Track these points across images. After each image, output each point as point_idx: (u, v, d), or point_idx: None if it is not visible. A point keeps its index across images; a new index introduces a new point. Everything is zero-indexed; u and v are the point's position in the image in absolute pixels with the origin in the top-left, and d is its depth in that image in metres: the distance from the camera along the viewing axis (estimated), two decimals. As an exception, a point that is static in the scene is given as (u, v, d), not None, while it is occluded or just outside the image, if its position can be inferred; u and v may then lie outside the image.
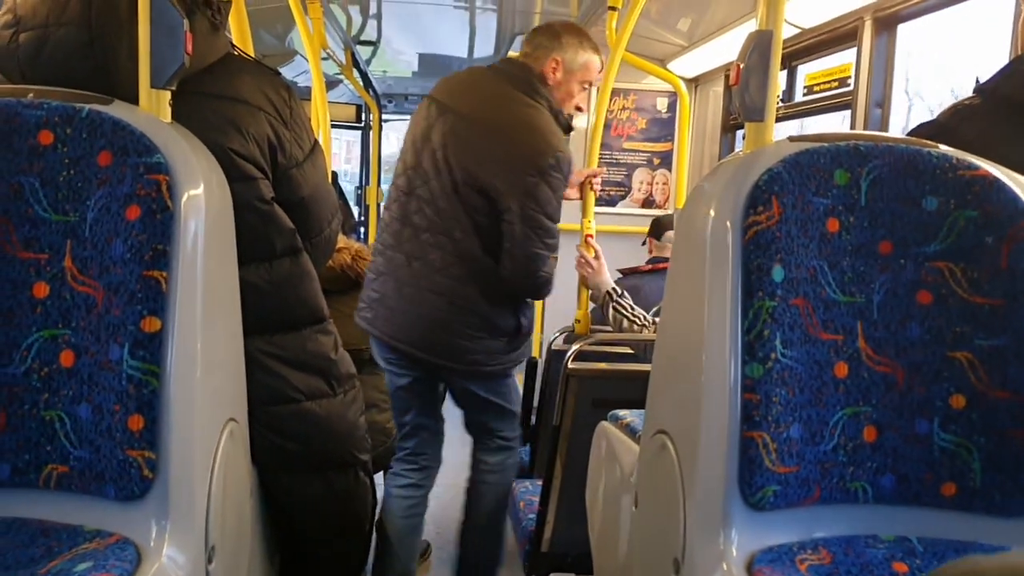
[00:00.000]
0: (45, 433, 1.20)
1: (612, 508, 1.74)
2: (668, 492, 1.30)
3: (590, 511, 1.91)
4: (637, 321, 2.66)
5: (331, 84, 6.24)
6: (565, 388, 2.32)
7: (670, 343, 1.44)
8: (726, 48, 3.71)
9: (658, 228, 3.53)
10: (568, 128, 2.48)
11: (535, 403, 3.08)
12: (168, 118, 1.31)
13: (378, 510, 2.43)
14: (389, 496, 2.56)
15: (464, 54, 5.54)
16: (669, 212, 4.43)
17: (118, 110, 1.26)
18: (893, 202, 1.28)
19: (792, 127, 3.54)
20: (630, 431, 1.69)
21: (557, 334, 3.08)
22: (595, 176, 2.79)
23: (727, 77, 4.15)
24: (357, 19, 4.91)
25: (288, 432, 1.65)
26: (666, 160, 4.52)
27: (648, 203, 4.55)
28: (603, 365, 2.48)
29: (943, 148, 1.32)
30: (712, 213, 1.27)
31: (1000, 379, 1.23)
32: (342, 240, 2.66)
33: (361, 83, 5.90)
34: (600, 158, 3.75)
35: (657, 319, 2.66)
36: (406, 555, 2.59)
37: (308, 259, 1.68)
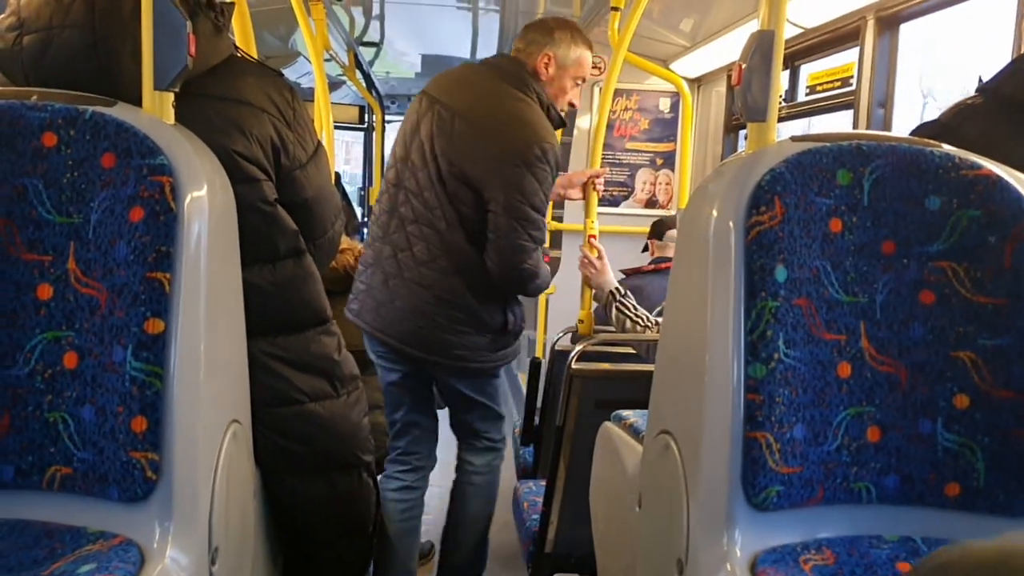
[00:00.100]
0: (49, 435, 1.20)
1: (616, 509, 1.74)
2: (671, 493, 1.30)
3: (594, 512, 1.91)
4: (640, 322, 2.66)
5: (334, 85, 6.25)
6: (568, 389, 2.32)
7: (673, 343, 1.44)
8: (728, 48, 3.71)
9: (659, 228, 3.53)
10: (561, 123, 2.47)
11: (539, 404, 3.08)
12: (171, 120, 1.31)
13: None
14: (385, 499, 2.55)
15: (467, 55, 5.54)
16: (671, 213, 4.43)
17: (121, 112, 1.26)
18: (896, 202, 1.28)
19: (799, 127, 3.53)
20: (633, 431, 1.69)
21: (561, 334, 3.08)
22: (598, 177, 2.78)
23: (729, 77, 4.14)
24: (360, 20, 4.92)
25: (291, 433, 1.65)
26: (669, 160, 4.52)
27: (651, 203, 4.55)
28: (606, 366, 2.48)
29: (946, 147, 1.32)
30: (715, 213, 1.27)
31: (1004, 379, 1.23)
32: (345, 241, 2.66)
33: (364, 84, 5.91)
34: (603, 158, 3.74)
35: (660, 319, 2.66)
36: (406, 556, 2.58)
37: (311, 260, 1.68)
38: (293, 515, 1.75)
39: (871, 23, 2.73)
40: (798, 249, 1.24)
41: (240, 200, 1.44)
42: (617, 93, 4.28)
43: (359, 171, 10.59)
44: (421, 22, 4.98)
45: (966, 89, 1.66)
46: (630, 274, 3.36)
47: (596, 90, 4.36)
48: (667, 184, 4.54)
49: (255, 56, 2.05)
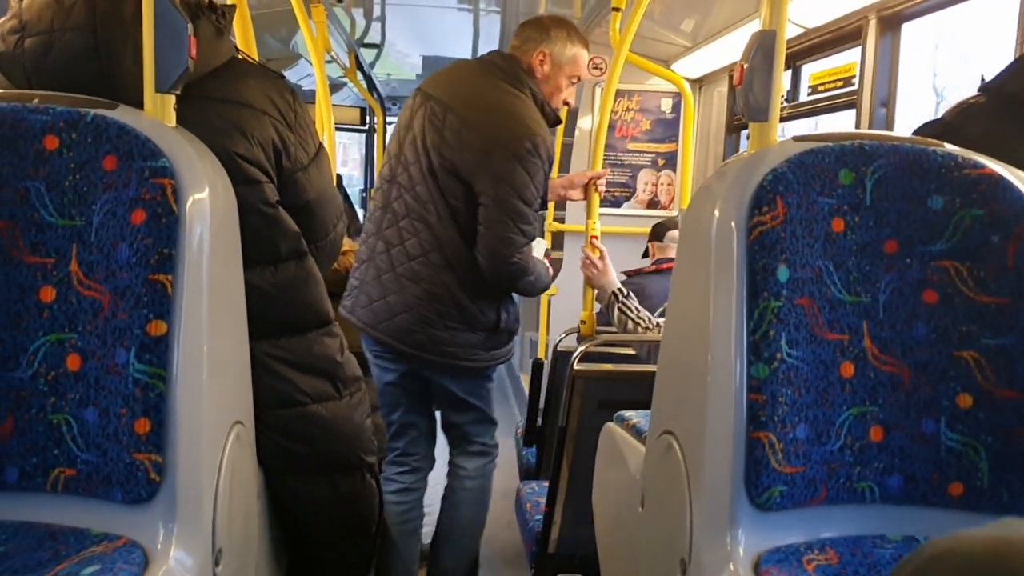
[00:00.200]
0: (52, 437, 1.20)
1: (618, 509, 1.74)
2: (674, 493, 1.30)
3: (596, 512, 1.91)
4: (642, 323, 2.66)
5: (335, 87, 6.26)
6: (571, 389, 2.32)
7: (675, 344, 1.44)
8: (730, 48, 3.70)
9: (659, 230, 3.53)
10: (556, 121, 2.46)
11: (541, 405, 3.08)
12: (173, 122, 1.32)
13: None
14: (385, 502, 2.52)
15: (468, 56, 5.55)
16: (672, 214, 4.42)
17: (123, 115, 1.26)
18: (898, 201, 1.28)
19: (805, 126, 3.52)
20: (636, 432, 1.69)
21: (563, 335, 3.08)
22: (599, 178, 2.78)
23: (731, 77, 4.14)
24: (361, 22, 4.93)
25: (294, 435, 1.65)
26: (671, 161, 4.52)
27: (653, 204, 4.54)
28: (609, 366, 2.48)
29: (948, 147, 1.32)
30: (717, 214, 1.27)
31: (1007, 378, 1.23)
32: (347, 243, 2.66)
33: (365, 86, 5.92)
34: (604, 159, 3.75)
35: (662, 320, 2.66)
36: (408, 558, 2.57)
37: (313, 262, 1.69)
38: (296, 516, 1.75)
39: (873, 23, 2.73)
40: (800, 249, 1.24)
41: (242, 202, 1.44)
42: (619, 94, 4.28)
43: (356, 173, 10.62)
44: (422, 23, 4.98)
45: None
46: (632, 275, 3.36)
47: (597, 91, 4.36)
48: (669, 185, 4.54)
49: (256, 58, 2.05)
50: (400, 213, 2.35)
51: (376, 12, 4.73)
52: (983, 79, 1.65)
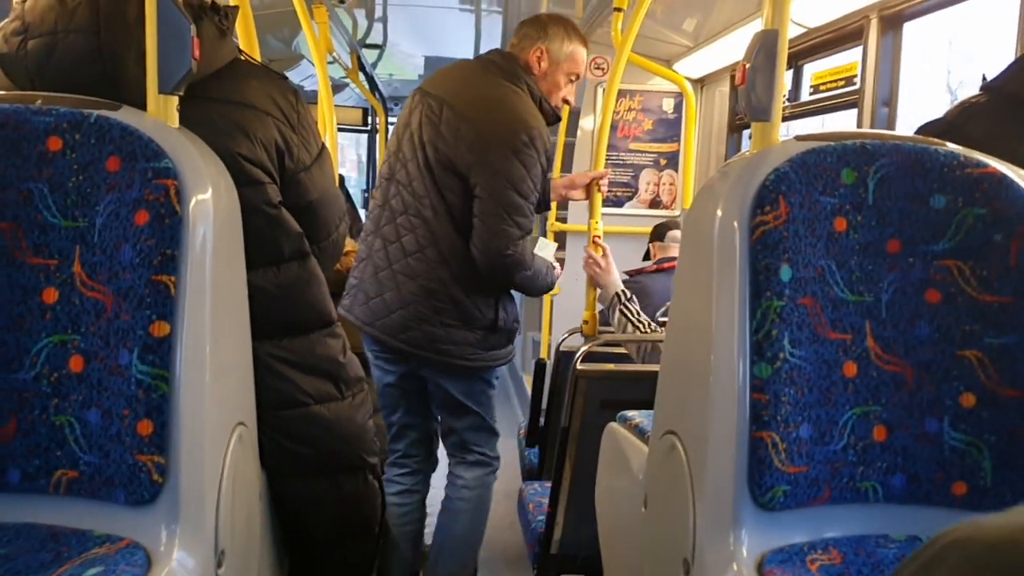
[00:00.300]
0: (55, 438, 1.20)
1: (621, 509, 1.74)
2: (677, 493, 1.30)
3: (599, 512, 1.91)
4: (640, 327, 2.66)
5: (337, 88, 6.26)
6: (574, 389, 2.32)
7: (678, 343, 1.44)
8: (732, 48, 3.70)
9: (659, 231, 3.53)
10: (555, 118, 2.45)
11: (544, 405, 3.08)
12: (176, 123, 1.32)
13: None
14: (386, 503, 2.51)
15: (470, 56, 5.55)
16: (675, 214, 4.42)
17: (126, 116, 1.26)
18: (901, 200, 1.28)
19: (811, 125, 3.50)
20: (639, 432, 1.68)
21: (566, 335, 3.08)
22: (602, 178, 2.78)
23: (733, 77, 4.14)
24: (363, 23, 4.93)
25: (297, 436, 1.65)
26: (673, 161, 4.51)
27: (655, 204, 4.54)
28: (611, 366, 2.47)
29: (950, 146, 1.32)
30: (719, 213, 1.26)
31: (1010, 377, 1.23)
32: (349, 244, 2.66)
33: (367, 86, 5.92)
34: (607, 159, 3.75)
35: (664, 319, 2.66)
36: (409, 559, 2.57)
37: (316, 263, 1.69)
38: (298, 517, 1.75)
39: (874, 22, 2.73)
40: (803, 248, 1.24)
41: (245, 203, 1.44)
42: (620, 94, 4.27)
43: (354, 174, 10.63)
44: (424, 24, 4.98)
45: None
46: (634, 274, 3.36)
47: (599, 91, 4.35)
48: (671, 184, 4.53)
49: (258, 59, 2.06)
50: (397, 210, 2.34)
51: (378, 13, 4.73)
52: (984, 78, 1.65)
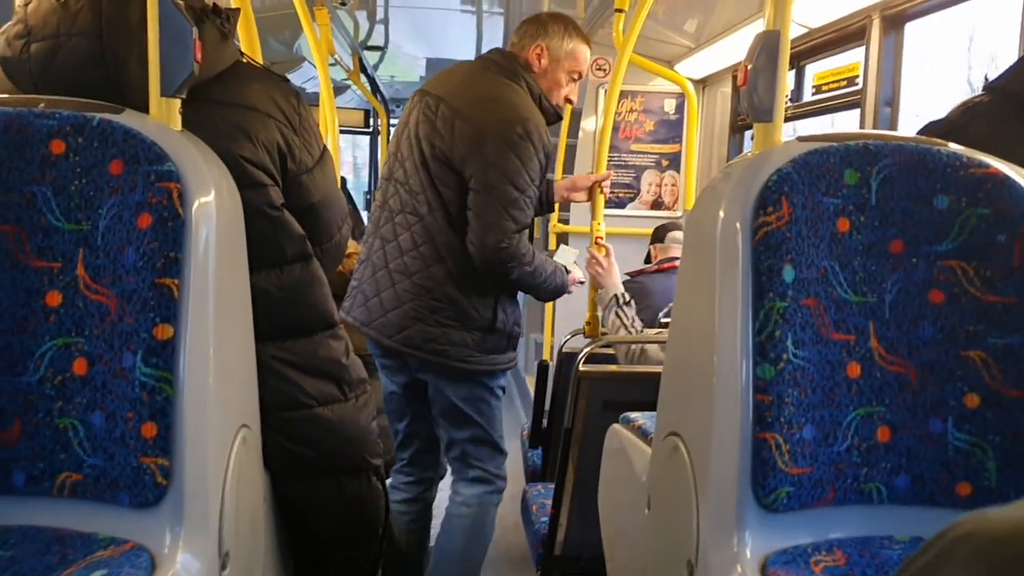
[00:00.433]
0: (59, 441, 1.20)
1: (625, 511, 1.74)
2: (681, 494, 1.30)
3: (602, 514, 1.91)
4: (632, 332, 2.66)
5: (339, 90, 6.27)
6: (576, 391, 2.32)
7: (681, 345, 1.44)
8: (733, 49, 3.70)
9: (660, 232, 3.53)
10: (555, 117, 2.42)
11: (547, 406, 3.08)
12: (178, 126, 1.32)
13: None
14: (392, 510, 2.44)
15: (471, 58, 5.55)
16: (677, 215, 4.42)
17: (129, 119, 1.26)
18: (904, 201, 1.28)
19: (819, 125, 3.48)
20: (642, 433, 1.68)
21: (568, 336, 3.08)
22: (604, 179, 2.78)
23: (735, 78, 4.13)
24: (364, 24, 4.94)
25: (300, 437, 1.66)
26: (674, 162, 4.51)
27: (657, 205, 4.54)
28: (614, 367, 2.48)
29: (953, 146, 1.31)
30: (722, 214, 1.26)
31: (1014, 377, 1.23)
32: (352, 246, 2.67)
33: (369, 88, 5.92)
34: (608, 160, 3.74)
35: (668, 319, 2.66)
36: (415, 566, 2.55)
37: (318, 265, 1.69)
38: (302, 519, 1.75)
39: (876, 22, 2.73)
40: (806, 249, 1.24)
41: (247, 205, 1.44)
42: (622, 95, 4.27)
43: (351, 175, 10.64)
44: (425, 26, 4.99)
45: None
46: (635, 275, 3.36)
47: (601, 92, 4.35)
48: (673, 185, 4.53)
49: (260, 62, 2.06)
50: (395, 209, 2.33)
51: (380, 15, 4.74)
52: (987, 78, 1.65)
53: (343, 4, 4.27)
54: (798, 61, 3.43)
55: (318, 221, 1.69)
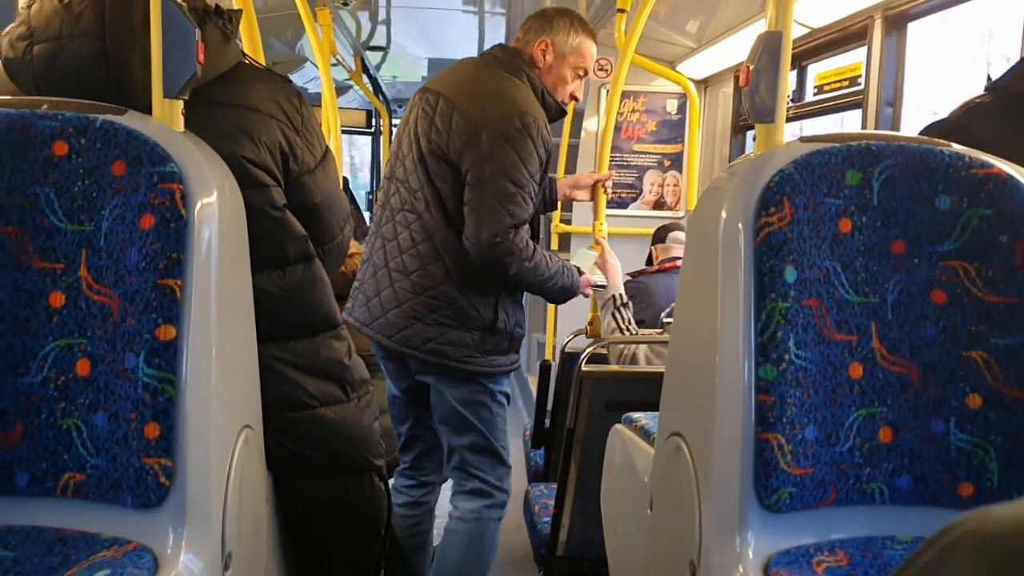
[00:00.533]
0: (62, 442, 1.20)
1: (627, 511, 1.74)
2: (683, 495, 1.30)
3: (605, 514, 1.91)
4: (626, 335, 2.66)
5: (341, 90, 6.27)
6: (579, 391, 2.32)
7: (683, 345, 1.44)
8: (735, 49, 3.70)
9: (660, 233, 3.53)
10: (559, 113, 2.38)
11: (549, 406, 3.08)
12: (181, 127, 1.32)
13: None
14: (394, 513, 2.37)
15: (473, 58, 5.55)
16: (679, 215, 4.42)
17: (132, 120, 1.26)
18: (906, 201, 1.28)
19: (825, 125, 3.47)
20: (644, 434, 1.68)
21: (570, 337, 3.08)
22: (607, 179, 2.77)
23: (736, 78, 4.14)
24: (366, 25, 4.94)
25: (303, 438, 1.66)
26: (676, 162, 4.51)
27: (659, 205, 4.54)
28: (616, 367, 2.48)
29: (955, 147, 1.31)
30: (724, 215, 1.26)
31: (1016, 378, 1.23)
32: (354, 246, 2.67)
33: (371, 88, 5.92)
34: (610, 161, 3.74)
35: (670, 319, 2.66)
36: (417, 569, 2.55)
37: (321, 266, 1.69)
38: (306, 519, 1.76)
39: (878, 22, 2.73)
40: (808, 250, 1.24)
41: (249, 206, 1.44)
42: (624, 95, 4.27)
43: (348, 176, 10.65)
44: (427, 26, 4.99)
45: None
46: (636, 275, 3.36)
47: (603, 92, 4.35)
48: (675, 186, 4.53)
49: (263, 62, 2.06)
50: (396, 208, 2.30)
51: (382, 15, 4.74)
52: (989, 78, 1.65)
53: (345, 4, 4.27)
54: (800, 61, 3.42)
55: (320, 222, 1.69)
